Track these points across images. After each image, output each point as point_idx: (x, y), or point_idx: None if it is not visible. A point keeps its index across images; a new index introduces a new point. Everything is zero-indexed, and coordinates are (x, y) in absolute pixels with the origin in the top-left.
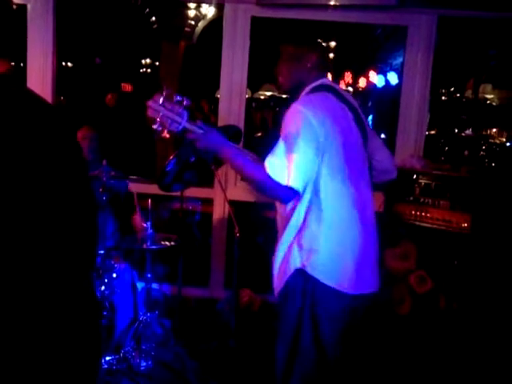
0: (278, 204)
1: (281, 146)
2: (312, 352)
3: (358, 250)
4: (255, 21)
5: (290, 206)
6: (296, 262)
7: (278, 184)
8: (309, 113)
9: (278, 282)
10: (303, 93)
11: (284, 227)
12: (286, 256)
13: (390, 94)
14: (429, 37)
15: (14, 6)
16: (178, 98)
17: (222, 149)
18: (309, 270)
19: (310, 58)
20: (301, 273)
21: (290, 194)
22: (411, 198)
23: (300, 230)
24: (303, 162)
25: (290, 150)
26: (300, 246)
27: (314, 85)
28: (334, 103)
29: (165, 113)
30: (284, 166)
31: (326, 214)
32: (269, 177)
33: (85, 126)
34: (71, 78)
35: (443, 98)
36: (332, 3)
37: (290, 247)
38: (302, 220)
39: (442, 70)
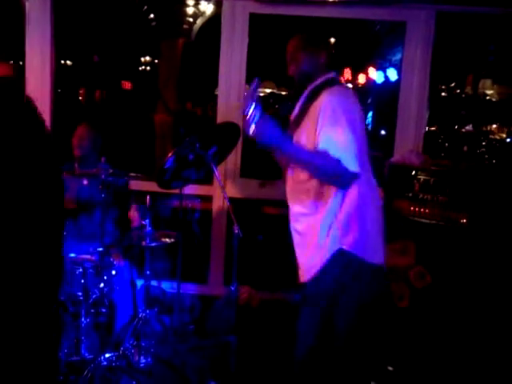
0: (307, 190)
1: (332, 134)
2: (344, 330)
3: (381, 226)
4: (253, 17)
5: (327, 191)
6: (335, 244)
7: (345, 170)
8: (347, 101)
9: (312, 265)
10: (312, 85)
11: (314, 213)
12: (323, 240)
13: (390, 90)
14: (427, 32)
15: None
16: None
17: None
18: (349, 249)
19: (323, 54)
20: (341, 253)
21: (353, 179)
22: (410, 194)
23: (338, 213)
24: (354, 148)
25: (342, 136)
26: (339, 229)
27: (325, 78)
28: (353, 95)
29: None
30: (344, 153)
31: (360, 196)
32: (338, 163)
33: (83, 123)
34: (70, 75)
35: (443, 93)
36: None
37: (328, 231)
38: (340, 203)
39: (442, 65)
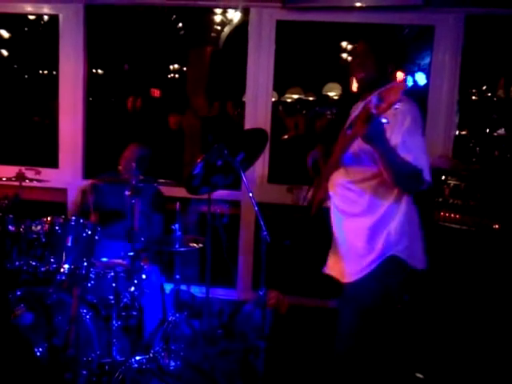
0: (362, 191)
1: (412, 143)
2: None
3: (422, 231)
4: (280, 24)
5: (384, 195)
6: (389, 249)
7: (422, 178)
8: (420, 114)
9: (360, 268)
10: (378, 91)
11: (367, 215)
12: (375, 243)
13: (418, 94)
14: (456, 36)
15: (47, 17)
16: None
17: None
18: (402, 256)
19: (391, 65)
20: (393, 259)
21: (422, 187)
22: (440, 199)
23: (393, 219)
24: (428, 158)
25: (420, 147)
26: (394, 235)
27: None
28: None
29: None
30: (422, 162)
31: (411, 203)
32: (417, 170)
33: (133, 144)
34: (101, 84)
35: (473, 97)
36: (358, 5)
37: (382, 235)
38: (396, 209)
39: (472, 69)
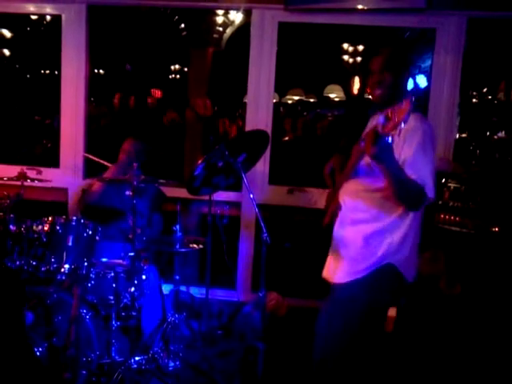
0: (375, 199)
1: (421, 161)
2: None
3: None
4: (282, 26)
5: (394, 206)
6: (387, 258)
7: (425, 195)
8: (433, 132)
9: (355, 270)
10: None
11: (374, 221)
12: (376, 249)
13: (420, 97)
14: (458, 39)
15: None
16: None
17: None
18: (398, 266)
19: (408, 79)
20: (389, 268)
21: (425, 204)
22: (440, 202)
23: (398, 230)
24: (435, 176)
25: (429, 165)
26: (394, 245)
27: (410, 101)
28: None
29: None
30: (427, 180)
31: (418, 218)
32: (419, 188)
33: (129, 138)
34: (103, 84)
35: (474, 100)
36: (360, 7)
37: (383, 243)
38: (402, 221)
39: (473, 72)
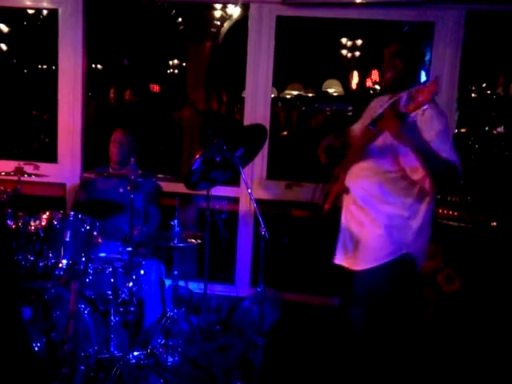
0: (394, 180)
1: (444, 142)
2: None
3: None
4: (280, 20)
5: (411, 191)
6: (406, 247)
7: (457, 171)
8: (448, 125)
9: (374, 257)
10: (405, 92)
11: (387, 207)
12: (394, 237)
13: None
14: (457, 33)
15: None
16: None
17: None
18: (415, 255)
19: (419, 68)
20: (407, 257)
21: (452, 187)
22: (438, 197)
23: (415, 217)
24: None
25: (451, 148)
26: (414, 233)
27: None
28: None
29: None
30: (457, 157)
31: (431, 205)
32: (451, 163)
33: (119, 129)
34: (100, 79)
35: (473, 94)
36: (358, 1)
37: (402, 230)
38: (419, 208)
39: (472, 66)
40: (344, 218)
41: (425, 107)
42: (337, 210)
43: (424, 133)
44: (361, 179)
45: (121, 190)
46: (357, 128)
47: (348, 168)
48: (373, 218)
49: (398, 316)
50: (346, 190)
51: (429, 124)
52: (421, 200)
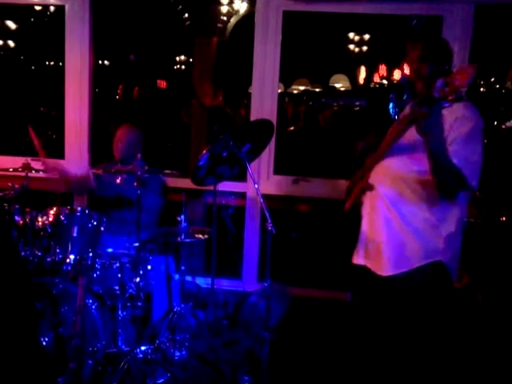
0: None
1: (468, 148)
2: None
3: None
4: (287, 15)
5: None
6: (437, 254)
7: (463, 184)
8: (482, 120)
9: (404, 263)
10: (458, 70)
11: (418, 209)
12: (425, 242)
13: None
14: (466, 27)
15: (53, 8)
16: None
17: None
18: (448, 265)
19: (447, 70)
20: (438, 266)
21: (466, 191)
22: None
23: (446, 222)
24: (480, 166)
25: (476, 154)
26: (445, 239)
27: None
28: None
29: None
30: (471, 168)
31: (464, 209)
32: (459, 174)
33: (124, 125)
34: (108, 75)
35: (482, 89)
36: None
37: (433, 236)
38: (451, 211)
39: (480, 60)
40: (367, 218)
41: (461, 92)
42: (355, 208)
43: (449, 136)
44: (387, 178)
45: (117, 181)
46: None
47: (373, 165)
48: (400, 220)
49: (434, 323)
50: (370, 188)
51: (455, 128)
52: (454, 203)
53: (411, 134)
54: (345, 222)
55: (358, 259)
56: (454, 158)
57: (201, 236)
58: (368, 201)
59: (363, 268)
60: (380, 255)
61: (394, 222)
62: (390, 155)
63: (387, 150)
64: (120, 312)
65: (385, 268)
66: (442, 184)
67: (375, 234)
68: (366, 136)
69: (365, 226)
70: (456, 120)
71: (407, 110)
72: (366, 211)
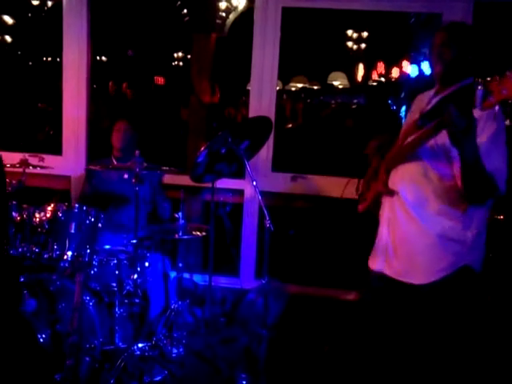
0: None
1: (494, 150)
2: None
3: None
4: (286, 11)
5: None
6: (462, 259)
7: (495, 188)
8: (504, 124)
9: (428, 271)
10: (457, 85)
11: (441, 215)
12: (448, 249)
13: (424, 83)
14: None
15: (50, 3)
16: None
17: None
18: (475, 267)
19: (473, 60)
20: (466, 270)
21: (495, 196)
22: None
23: (470, 226)
24: (507, 168)
25: (502, 155)
26: (469, 243)
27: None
28: None
29: None
30: (500, 171)
31: (487, 212)
32: (491, 178)
33: (120, 120)
34: (105, 71)
35: (480, 87)
36: None
37: (456, 241)
38: (475, 215)
39: (479, 58)
40: (387, 222)
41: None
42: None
43: (478, 136)
44: (409, 183)
45: (125, 176)
46: (404, 124)
47: (392, 168)
48: (423, 226)
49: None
50: (391, 192)
51: (485, 128)
52: (475, 210)
53: (434, 139)
54: (359, 223)
55: (376, 265)
56: (485, 160)
57: (198, 233)
58: (387, 204)
59: (382, 274)
60: (403, 263)
61: (418, 227)
62: (410, 159)
63: (409, 154)
64: (117, 309)
65: (411, 276)
66: (472, 190)
67: (398, 240)
68: (377, 135)
69: (384, 230)
70: (481, 118)
71: (426, 108)
72: (385, 215)
